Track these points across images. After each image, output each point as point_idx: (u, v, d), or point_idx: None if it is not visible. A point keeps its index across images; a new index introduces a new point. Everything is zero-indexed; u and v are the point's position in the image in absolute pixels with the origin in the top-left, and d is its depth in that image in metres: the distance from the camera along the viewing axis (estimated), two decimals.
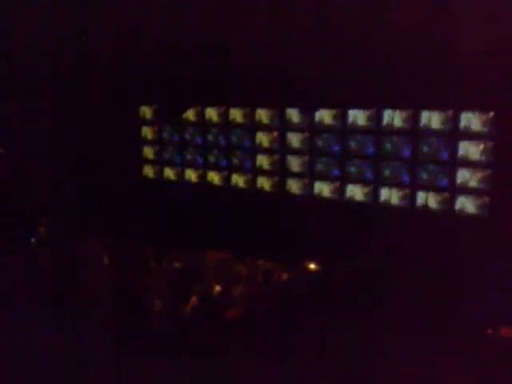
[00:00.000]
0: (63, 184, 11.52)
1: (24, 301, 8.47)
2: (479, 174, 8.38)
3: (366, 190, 9.35)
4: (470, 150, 8.39)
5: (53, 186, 11.47)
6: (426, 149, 8.71)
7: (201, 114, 10.80)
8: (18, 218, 11.17)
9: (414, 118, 8.77)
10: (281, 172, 10.10)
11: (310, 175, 9.83)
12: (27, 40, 9.85)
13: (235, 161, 10.55)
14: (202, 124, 10.81)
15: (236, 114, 10.39)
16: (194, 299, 9.45)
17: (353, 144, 9.33)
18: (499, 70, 7.58)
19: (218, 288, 9.42)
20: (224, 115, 10.53)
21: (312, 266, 9.77)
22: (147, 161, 11.72)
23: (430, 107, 8.51)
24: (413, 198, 8.93)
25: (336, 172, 9.57)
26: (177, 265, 10.41)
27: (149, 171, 11.76)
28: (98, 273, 10.21)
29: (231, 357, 6.80)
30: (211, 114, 10.67)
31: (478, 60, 7.62)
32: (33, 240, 11.78)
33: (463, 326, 6.42)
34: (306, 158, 9.83)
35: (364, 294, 6.94)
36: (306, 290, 8.06)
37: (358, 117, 9.23)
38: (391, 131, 8.96)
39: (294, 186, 10.03)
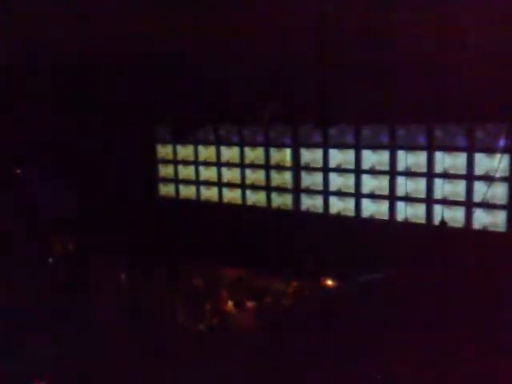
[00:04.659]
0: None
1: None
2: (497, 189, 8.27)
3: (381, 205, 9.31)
4: (487, 163, 8.31)
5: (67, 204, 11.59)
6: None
7: (215, 132, 10.90)
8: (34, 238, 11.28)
9: (430, 133, 8.73)
10: (295, 189, 10.10)
11: (324, 191, 9.82)
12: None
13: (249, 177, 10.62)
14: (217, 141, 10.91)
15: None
16: (211, 318, 9.43)
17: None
18: None
19: (232, 304, 9.38)
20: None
21: (329, 282, 9.68)
22: (163, 179, 11.81)
23: (445, 120, 8.47)
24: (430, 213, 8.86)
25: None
26: (193, 281, 10.38)
27: (164, 190, 11.84)
28: (114, 289, 10.24)
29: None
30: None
31: (493, 73, 7.57)
32: (50, 260, 11.84)
33: (480, 338, 6.31)
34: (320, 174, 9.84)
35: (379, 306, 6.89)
36: (320, 306, 8.00)
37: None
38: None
39: (308, 202, 10.03)
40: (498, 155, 8.14)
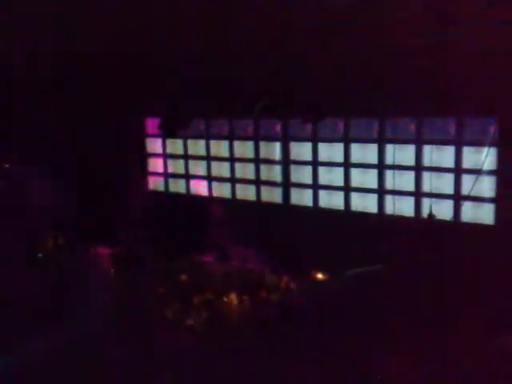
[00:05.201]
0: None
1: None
2: (484, 181, 8.37)
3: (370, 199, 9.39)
4: (475, 157, 8.40)
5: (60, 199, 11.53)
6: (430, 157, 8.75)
7: (205, 127, 10.91)
8: (24, 232, 11.22)
9: (419, 127, 8.80)
10: (285, 183, 10.16)
11: (314, 186, 9.89)
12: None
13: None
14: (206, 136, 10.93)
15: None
16: (203, 312, 9.47)
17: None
18: (502, 75, 7.60)
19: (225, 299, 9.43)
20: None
21: (319, 276, 9.76)
22: (152, 173, 11.82)
23: (433, 114, 8.55)
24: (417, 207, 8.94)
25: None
26: (184, 276, 10.42)
27: (154, 183, 11.85)
28: (103, 284, 10.23)
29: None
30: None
31: (481, 66, 7.64)
32: (40, 255, 11.80)
33: (468, 332, 6.40)
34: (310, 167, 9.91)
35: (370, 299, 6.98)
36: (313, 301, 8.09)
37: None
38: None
39: (297, 196, 10.11)
40: (485, 148, 8.25)
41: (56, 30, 9.04)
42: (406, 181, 8.93)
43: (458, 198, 8.58)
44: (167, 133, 11.24)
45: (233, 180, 10.72)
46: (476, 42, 7.53)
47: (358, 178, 9.41)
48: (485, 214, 8.39)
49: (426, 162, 8.74)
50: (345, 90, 8.62)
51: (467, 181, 8.43)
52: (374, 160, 9.19)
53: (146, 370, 7.11)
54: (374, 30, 8.03)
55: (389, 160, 9.05)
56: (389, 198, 9.15)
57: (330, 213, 9.72)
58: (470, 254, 7.68)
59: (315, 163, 9.79)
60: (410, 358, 6.16)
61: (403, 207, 9.02)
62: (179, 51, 9.16)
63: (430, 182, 8.70)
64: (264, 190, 10.42)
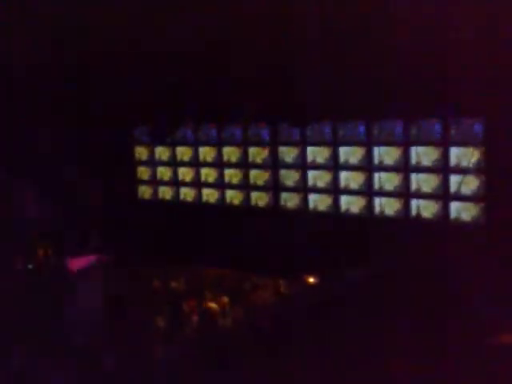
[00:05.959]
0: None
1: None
2: (473, 181, 8.40)
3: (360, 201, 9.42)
4: (463, 157, 8.43)
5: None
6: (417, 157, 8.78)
7: (194, 133, 10.91)
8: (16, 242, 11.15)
9: (405, 129, 8.84)
10: (274, 187, 10.17)
11: (303, 189, 9.90)
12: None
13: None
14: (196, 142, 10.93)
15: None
16: (194, 318, 9.42)
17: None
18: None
19: (216, 305, 9.41)
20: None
21: (311, 280, 9.75)
22: (142, 181, 11.79)
23: (420, 116, 8.59)
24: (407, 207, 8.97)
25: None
26: (175, 283, 10.39)
27: (144, 191, 11.82)
28: (97, 294, 10.17)
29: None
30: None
31: (468, 67, 7.69)
32: (30, 266, 11.73)
33: (460, 333, 6.40)
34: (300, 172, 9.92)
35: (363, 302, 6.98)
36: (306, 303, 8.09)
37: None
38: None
39: (288, 200, 10.11)
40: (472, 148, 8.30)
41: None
42: (394, 181, 8.96)
43: (446, 197, 8.63)
44: (157, 140, 11.24)
45: (221, 185, 10.73)
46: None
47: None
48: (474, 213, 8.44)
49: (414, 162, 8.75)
50: (330, 93, 8.64)
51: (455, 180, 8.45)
52: (362, 161, 9.22)
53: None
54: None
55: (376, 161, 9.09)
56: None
57: (321, 215, 9.74)
58: (459, 252, 7.70)
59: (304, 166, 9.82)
60: (409, 359, 6.16)
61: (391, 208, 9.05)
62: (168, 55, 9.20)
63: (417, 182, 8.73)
64: (253, 194, 10.43)
